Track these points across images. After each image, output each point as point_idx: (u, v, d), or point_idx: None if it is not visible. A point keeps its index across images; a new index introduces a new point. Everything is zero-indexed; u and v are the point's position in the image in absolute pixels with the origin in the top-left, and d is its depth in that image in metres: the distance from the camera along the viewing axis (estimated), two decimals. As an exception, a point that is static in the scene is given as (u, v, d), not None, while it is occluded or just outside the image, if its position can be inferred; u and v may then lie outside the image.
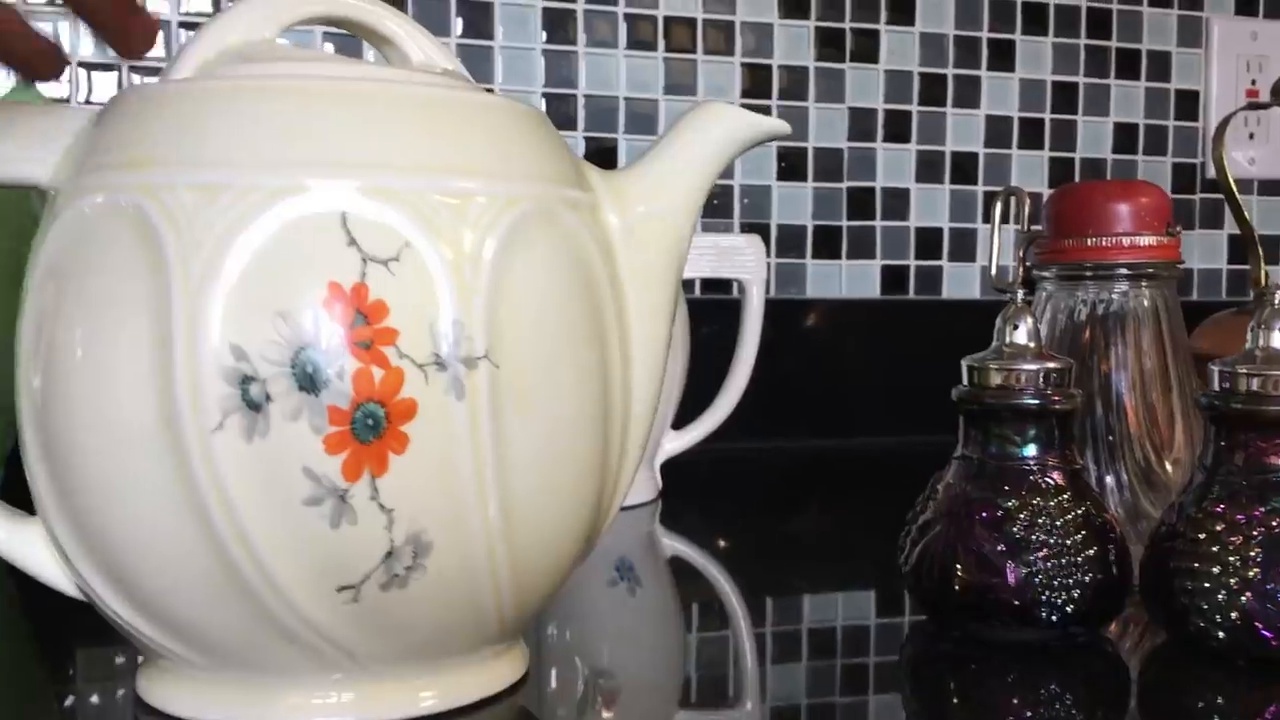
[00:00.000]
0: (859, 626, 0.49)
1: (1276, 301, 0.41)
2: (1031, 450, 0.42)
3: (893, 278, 0.97)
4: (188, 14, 0.81)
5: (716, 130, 0.37)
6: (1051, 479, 0.42)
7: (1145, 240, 0.49)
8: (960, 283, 0.98)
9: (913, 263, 0.97)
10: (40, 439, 0.32)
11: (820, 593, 0.54)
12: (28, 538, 0.34)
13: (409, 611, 0.32)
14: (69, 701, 0.38)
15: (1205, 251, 1.05)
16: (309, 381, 0.30)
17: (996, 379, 0.43)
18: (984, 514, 0.41)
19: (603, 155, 0.89)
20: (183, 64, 0.34)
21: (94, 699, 0.38)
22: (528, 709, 0.37)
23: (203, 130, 0.31)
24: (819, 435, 0.92)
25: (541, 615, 0.47)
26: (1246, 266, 1.05)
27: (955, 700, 0.40)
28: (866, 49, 0.95)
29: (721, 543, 0.64)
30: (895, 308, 0.96)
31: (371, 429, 0.30)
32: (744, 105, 0.86)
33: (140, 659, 0.37)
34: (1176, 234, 0.50)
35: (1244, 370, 0.40)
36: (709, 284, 0.88)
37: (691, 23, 0.91)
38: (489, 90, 0.36)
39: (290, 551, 0.30)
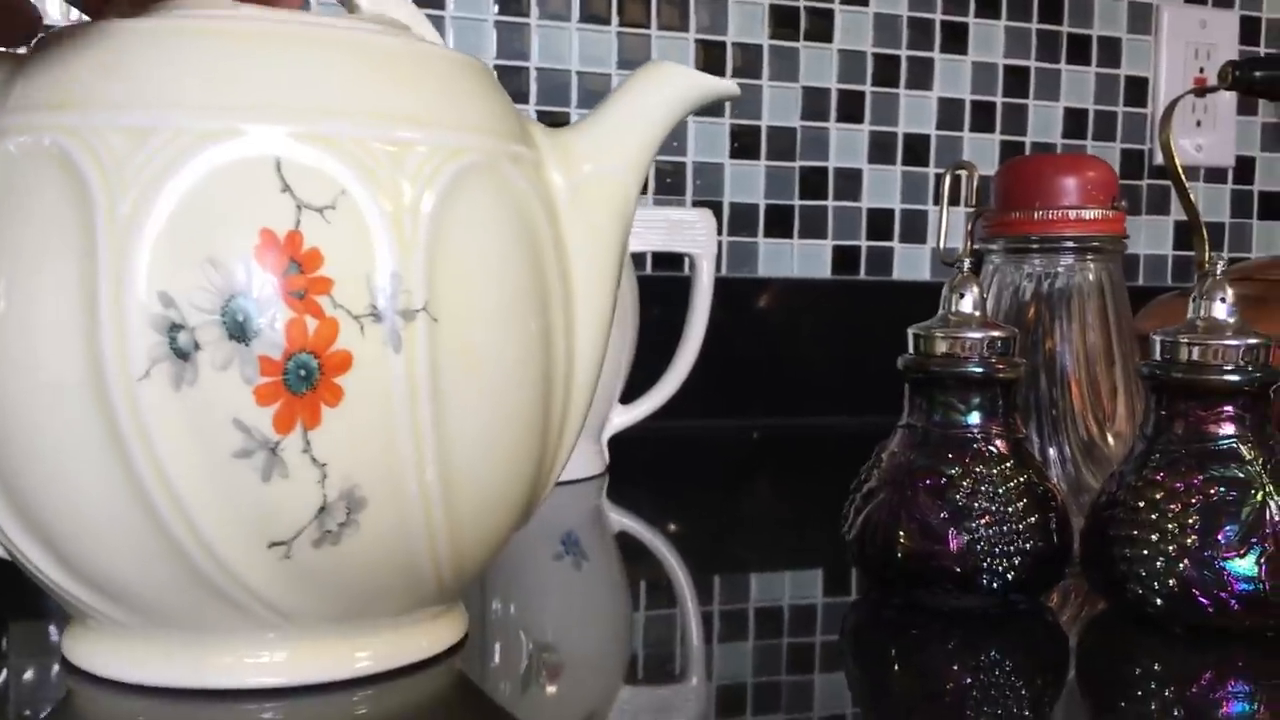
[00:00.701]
0: (806, 605, 0.49)
1: (1218, 272, 0.41)
2: (975, 418, 0.42)
3: (844, 258, 0.97)
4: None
5: (666, 90, 0.37)
6: (994, 447, 0.42)
7: (1091, 214, 0.49)
8: (911, 264, 0.98)
9: (864, 243, 0.97)
10: None
11: (767, 570, 0.54)
12: None
13: (343, 570, 0.31)
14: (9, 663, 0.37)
15: (1151, 237, 1.06)
16: (240, 330, 0.29)
17: (942, 347, 0.43)
18: (927, 481, 0.41)
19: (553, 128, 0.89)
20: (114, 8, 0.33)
21: (20, 660, 0.38)
22: (466, 674, 0.36)
23: (132, 71, 0.30)
24: (769, 414, 0.92)
25: (485, 587, 0.47)
26: (1192, 253, 1.07)
27: (897, 667, 0.40)
28: (821, 28, 0.95)
29: (668, 519, 0.64)
30: (846, 288, 0.97)
31: (304, 380, 0.29)
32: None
33: (69, 620, 0.36)
34: (1122, 208, 0.50)
35: (1185, 339, 0.40)
36: (660, 260, 0.88)
37: (646, -2, 0.90)
38: None
39: (219, 506, 0.29)
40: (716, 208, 0.92)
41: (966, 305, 0.43)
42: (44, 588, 0.33)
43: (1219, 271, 0.41)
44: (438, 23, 0.85)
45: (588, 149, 0.36)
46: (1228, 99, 1.05)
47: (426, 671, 0.35)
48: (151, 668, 0.33)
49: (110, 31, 0.31)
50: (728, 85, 0.37)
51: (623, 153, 0.36)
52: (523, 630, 0.43)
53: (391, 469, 0.30)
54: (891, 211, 0.98)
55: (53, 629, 0.39)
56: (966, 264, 0.44)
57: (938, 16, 0.98)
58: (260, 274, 0.29)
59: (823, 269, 0.96)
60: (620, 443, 0.72)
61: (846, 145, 0.96)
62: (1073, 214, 0.49)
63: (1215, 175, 1.07)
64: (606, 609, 0.48)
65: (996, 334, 0.43)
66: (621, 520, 0.64)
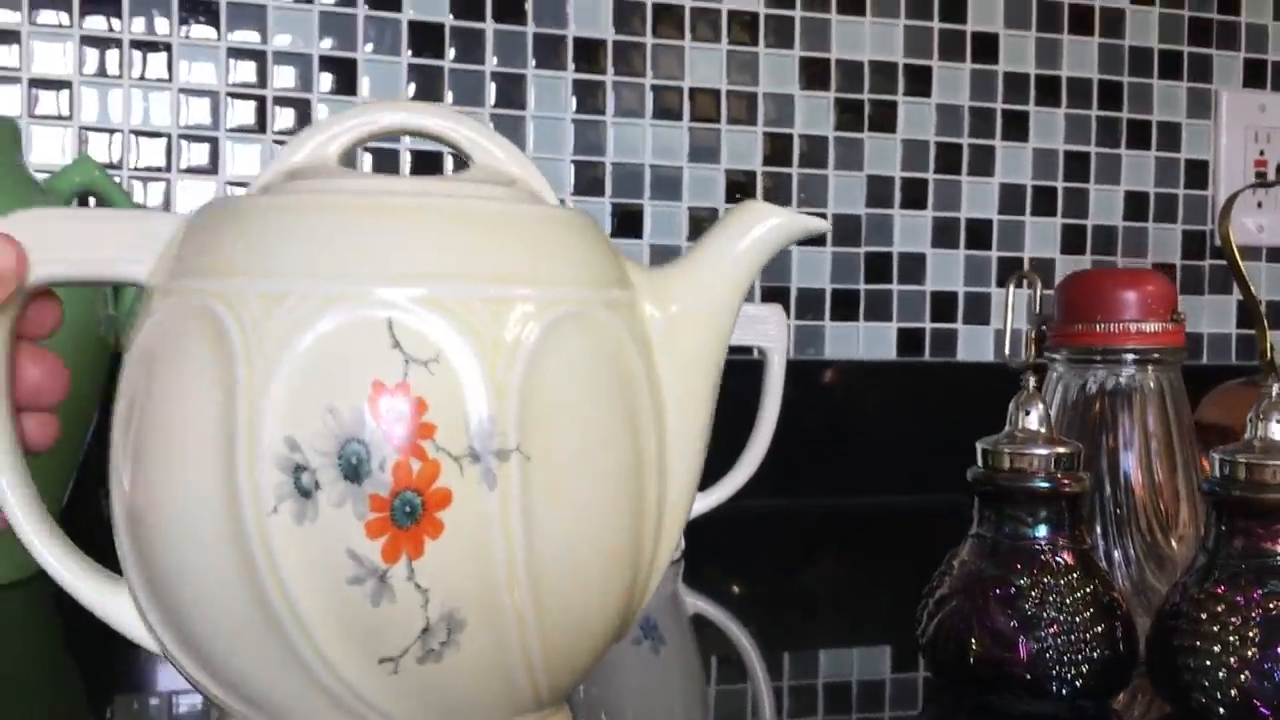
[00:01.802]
0: (874, 682, 0.51)
1: (1275, 394, 0.43)
2: (1042, 531, 0.45)
3: (909, 339, 0.99)
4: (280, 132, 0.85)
5: (759, 229, 0.39)
6: (1062, 558, 0.44)
7: (1151, 327, 0.52)
8: (974, 345, 1.01)
9: (928, 325, 1.00)
10: (124, 513, 0.35)
11: (836, 648, 0.56)
12: (119, 600, 0.38)
13: (445, 682, 0.34)
14: None
15: (1214, 317, 1.08)
16: (353, 472, 0.32)
17: (1009, 463, 0.45)
18: (998, 591, 0.44)
19: (628, 219, 0.93)
20: (260, 181, 0.38)
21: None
22: None
23: (268, 241, 0.34)
24: (836, 493, 0.95)
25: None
26: (1254, 331, 1.08)
27: (970, 768, 0.42)
28: (884, 119, 0.98)
29: (742, 600, 0.67)
30: (911, 369, 0.99)
31: (409, 515, 0.33)
32: (765, 172, 0.89)
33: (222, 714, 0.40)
34: (1181, 320, 0.53)
35: (1243, 460, 0.43)
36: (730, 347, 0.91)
37: (716, 93, 0.94)
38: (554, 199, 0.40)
39: (336, 626, 0.33)
40: (784, 293, 0.96)
41: (1033, 422, 0.46)
42: (191, 685, 0.38)
43: (1275, 393, 0.43)
44: (518, 122, 0.90)
45: (681, 289, 0.38)
46: (1289, 180, 1.07)
47: None
48: None
49: (250, 205, 0.36)
50: (818, 223, 0.40)
51: (715, 291, 0.39)
52: (605, 713, 0.46)
53: (487, 594, 0.34)
54: (955, 294, 1.00)
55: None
56: (1032, 381, 0.46)
57: (999, 105, 1.01)
58: (372, 422, 0.32)
59: (888, 350, 0.99)
60: (693, 525, 0.74)
61: (910, 231, 0.99)
62: (1134, 327, 0.52)
63: (1278, 255, 1.09)
64: (683, 690, 0.50)
65: (1062, 450, 0.45)
66: (696, 603, 0.67)
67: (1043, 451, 0.45)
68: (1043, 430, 0.46)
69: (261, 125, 0.85)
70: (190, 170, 0.84)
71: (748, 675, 0.52)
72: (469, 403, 0.33)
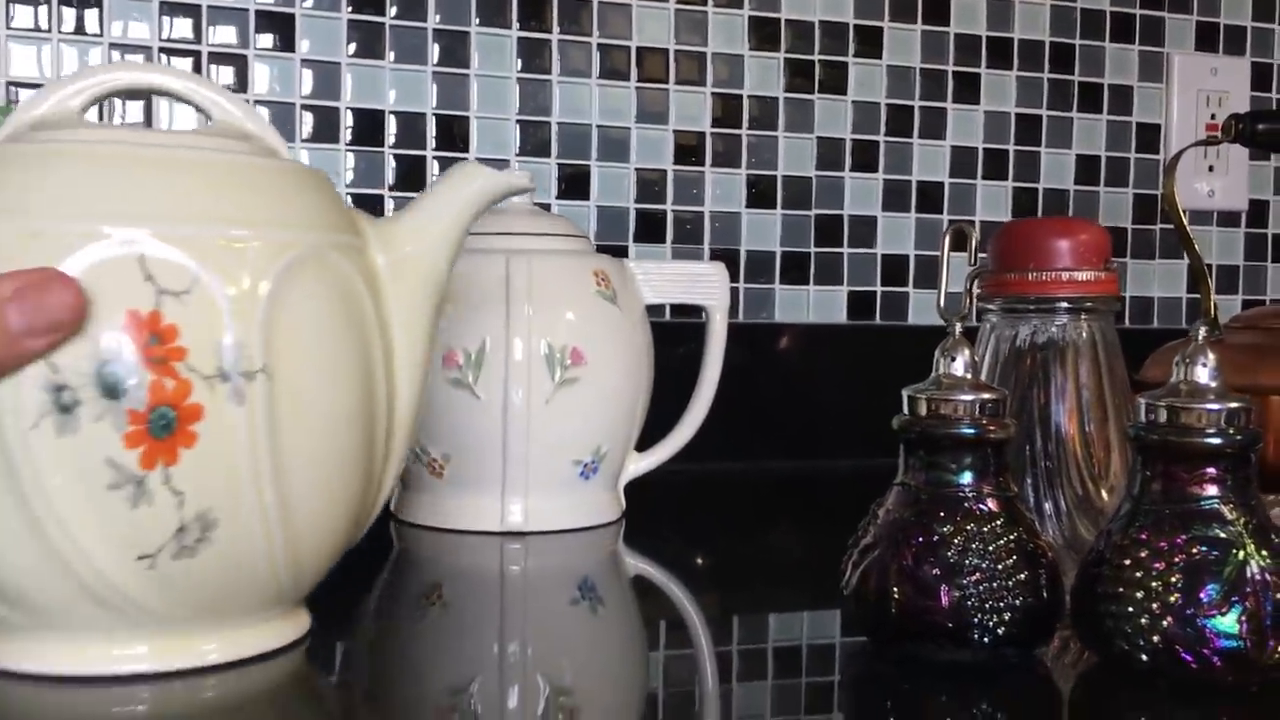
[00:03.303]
0: (817, 646, 0.50)
1: (1201, 337, 0.43)
2: (967, 478, 0.44)
3: (859, 303, 0.99)
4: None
5: (473, 185, 0.46)
6: (986, 506, 0.44)
7: (1084, 275, 0.51)
8: (926, 309, 1.00)
9: (879, 289, 0.99)
10: None
11: (781, 612, 0.56)
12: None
13: (200, 576, 0.39)
14: None
15: (1165, 281, 1.07)
16: (111, 390, 0.37)
17: (934, 408, 0.44)
18: (920, 539, 0.43)
19: (575, 181, 0.91)
20: (6, 128, 0.42)
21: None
22: (306, 667, 0.44)
23: (24, 184, 0.38)
24: (785, 457, 0.94)
25: (503, 631, 0.49)
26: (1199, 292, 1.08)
27: (893, 719, 0.42)
28: (835, 80, 0.97)
29: (684, 563, 0.66)
30: (862, 333, 0.98)
31: (164, 428, 0.37)
32: (714, 134, 0.87)
33: None
34: (1113, 269, 0.52)
35: (1167, 403, 0.42)
36: (677, 307, 0.90)
37: (664, 53, 0.93)
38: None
39: (98, 528, 0.37)
40: (733, 255, 0.95)
41: (958, 368, 0.45)
42: None
43: (1201, 335, 0.43)
44: (462, 81, 0.88)
45: (406, 234, 0.45)
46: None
47: (270, 663, 0.43)
48: (42, 660, 0.40)
49: (3, 154, 0.39)
50: (520, 180, 0.47)
51: (433, 238, 0.45)
52: (540, 674, 0.45)
53: (237, 497, 0.39)
54: (906, 258, 1.00)
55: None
56: (959, 327, 0.46)
57: (950, 67, 1.00)
58: (127, 345, 0.37)
59: (839, 314, 0.98)
60: (637, 487, 0.74)
61: (861, 193, 0.98)
62: (1066, 275, 0.51)
63: (1228, 219, 1.09)
64: (622, 652, 0.50)
65: (987, 396, 0.44)
66: (638, 565, 0.66)
67: (967, 397, 0.44)
68: (968, 376, 0.45)
69: (196, 82, 0.83)
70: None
71: (690, 639, 0.52)
72: (217, 330, 0.38)
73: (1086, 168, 1.04)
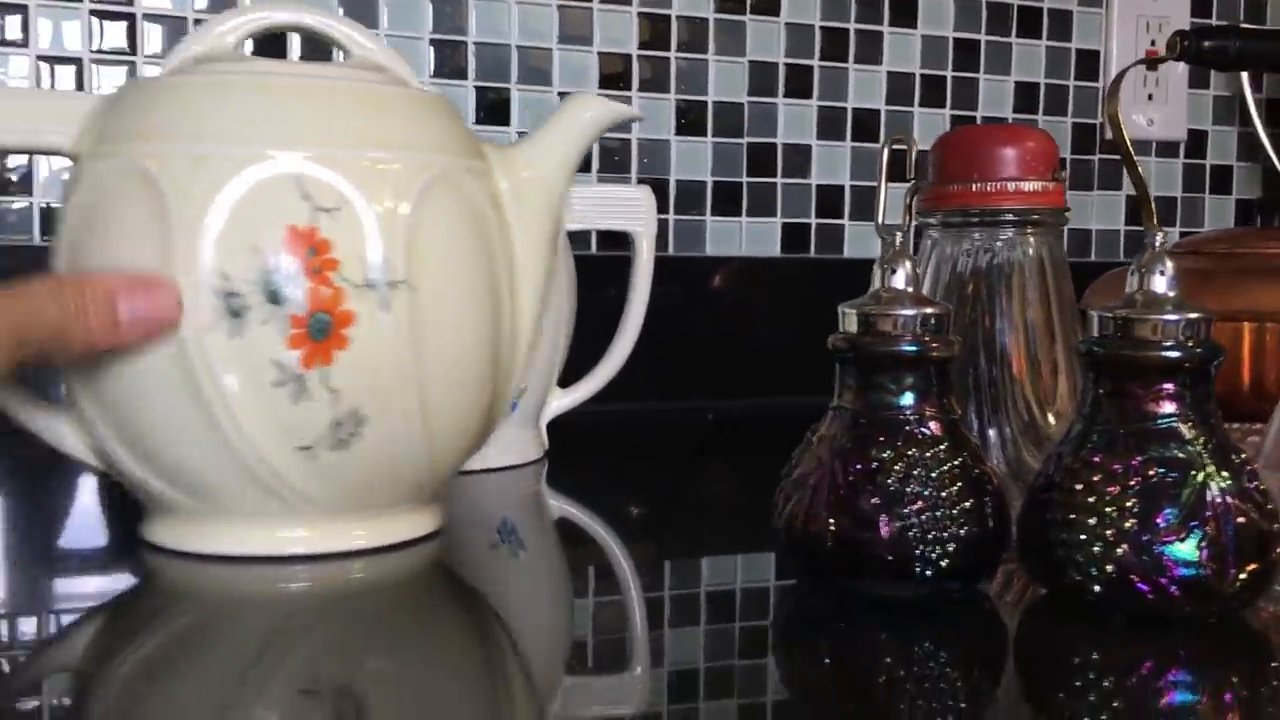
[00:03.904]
0: (755, 590, 0.47)
1: (1158, 244, 0.40)
2: (908, 399, 0.41)
3: (794, 236, 0.95)
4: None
5: (587, 115, 0.49)
6: (928, 429, 0.40)
7: (1031, 185, 0.48)
8: (862, 241, 0.97)
9: (814, 220, 0.96)
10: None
11: (713, 555, 0.53)
12: (59, 426, 0.46)
13: (351, 468, 0.43)
14: (94, 544, 0.52)
15: (1103, 212, 1.05)
16: (275, 297, 0.41)
17: (872, 324, 0.41)
18: (858, 466, 0.40)
19: (496, 110, 0.86)
20: (171, 62, 0.46)
21: (109, 543, 0.52)
22: (441, 555, 0.48)
23: (192, 112, 0.42)
24: (719, 395, 0.90)
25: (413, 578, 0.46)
26: (1143, 228, 1.06)
27: (828, 660, 0.38)
28: (768, 2, 0.93)
29: (611, 504, 0.62)
30: (797, 266, 0.95)
31: (321, 331, 0.41)
32: (641, 56, 0.83)
33: (147, 511, 0.47)
34: (1062, 179, 0.49)
35: (1123, 314, 0.39)
36: (605, 240, 0.86)
37: (587, -30, 0.88)
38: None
39: (264, 421, 0.42)
40: (663, 185, 0.90)
41: (899, 281, 0.42)
42: (131, 485, 0.46)
43: (1158, 243, 0.40)
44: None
45: (526, 160, 0.48)
46: (1179, 72, 1.04)
47: (409, 550, 0.47)
48: (212, 541, 0.45)
49: (172, 83, 0.44)
50: (634, 111, 0.52)
51: (552, 162, 0.49)
52: (460, 624, 0.42)
53: (384, 396, 0.43)
54: (841, 188, 0.96)
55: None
56: (899, 238, 0.42)
57: (886, -11, 0.96)
58: (288, 257, 0.41)
59: (772, 247, 0.95)
60: (564, 427, 0.70)
61: (795, 121, 0.94)
62: (1012, 186, 0.48)
63: (1167, 149, 1.06)
64: (545, 598, 0.46)
65: (930, 310, 0.41)
66: (562, 507, 0.62)
67: (909, 312, 0.41)
68: (909, 290, 0.41)
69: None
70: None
71: (618, 584, 0.48)
72: (365, 244, 0.42)
73: (1025, 95, 1.01)
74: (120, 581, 0.47)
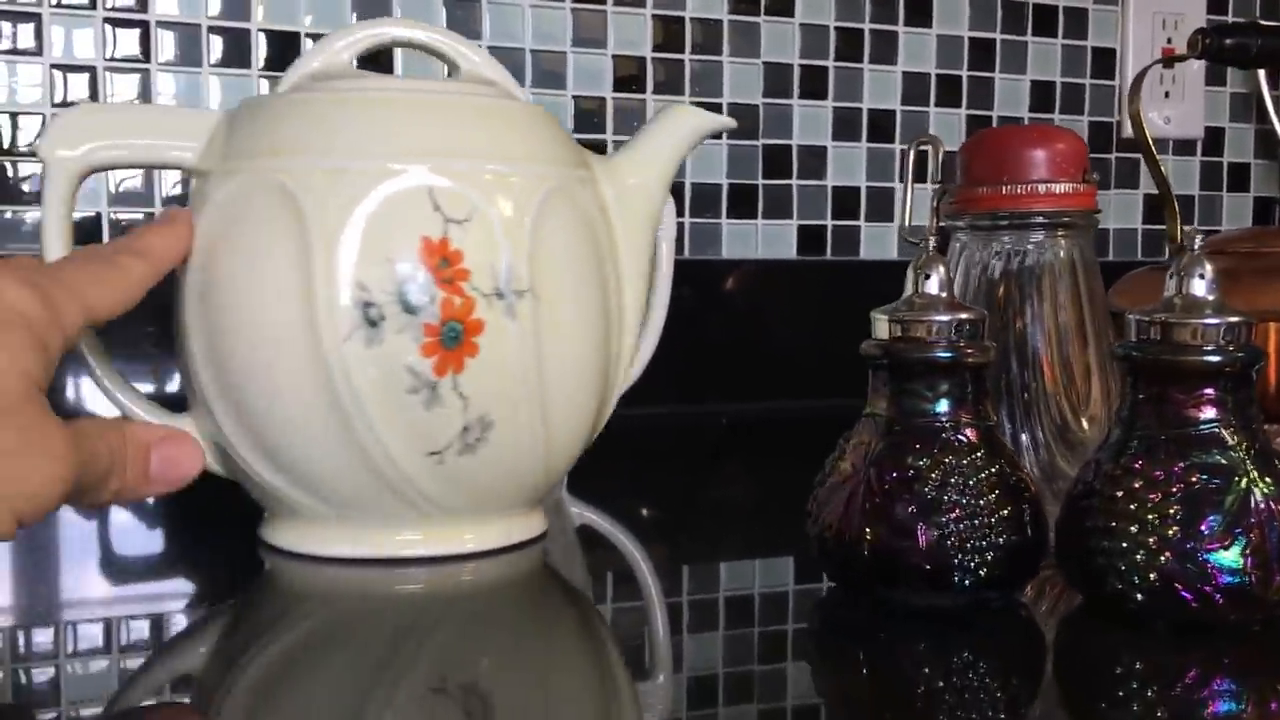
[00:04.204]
0: (775, 594, 0.47)
1: (1196, 246, 0.39)
2: (943, 406, 0.40)
3: (810, 238, 0.95)
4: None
5: (685, 126, 0.51)
6: (964, 436, 0.40)
7: (1062, 187, 0.47)
8: (877, 243, 0.96)
9: (830, 222, 0.95)
10: (206, 351, 0.44)
11: (735, 560, 0.52)
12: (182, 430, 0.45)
13: (476, 471, 0.45)
14: (215, 547, 0.52)
15: (1121, 211, 1.04)
16: (411, 306, 0.42)
17: (907, 331, 0.40)
18: (894, 474, 0.39)
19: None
20: (290, 78, 0.47)
21: (227, 546, 0.51)
22: (544, 559, 0.49)
23: (325, 128, 0.44)
24: (735, 398, 0.90)
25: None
26: (1162, 226, 1.05)
27: (865, 671, 0.38)
28: (782, 2, 0.92)
29: (630, 510, 0.62)
30: (812, 268, 0.94)
31: (454, 340, 0.42)
32: (655, 59, 0.83)
33: (267, 513, 0.48)
34: (1094, 181, 0.48)
35: (1162, 319, 0.38)
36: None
37: (600, -28, 0.87)
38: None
39: (396, 426, 0.43)
40: (679, 188, 0.90)
41: (932, 286, 0.41)
42: (255, 488, 0.46)
43: (1197, 246, 0.39)
44: (384, 2, 0.82)
45: (628, 170, 0.50)
46: (1196, 70, 1.03)
47: (516, 554, 0.48)
48: (333, 543, 0.46)
49: (301, 100, 0.45)
50: (727, 121, 0.53)
51: (653, 172, 0.51)
52: (485, 627, 0.41)
53: (510, 401, 0.44)
54: (857, 189, 0.96)
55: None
56: (932, 242, 0.41)
57: (901, -12, 0.95)
58: (422, 268, 0.42)
59: (788, 249, 0.94)
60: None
61: (810, 122, 0.94)
62: (1043, 188, 0.47)
63: (1184, 147, 1.06)
64: (569, 604, 0.46)
65: (964, 316, 0.40)
66: (582, 513, 0.62)
67: (944, 318, 0.40)
68: (943, 296, 0.41)
69: (93, 2, 0.77)
70: (12, 52, 0.76)
71: (640, 589, 0.48)
72: (494, 253, 0.43)
73: (1041, 93, 1.00)
74: (242, 582, 0.48)
